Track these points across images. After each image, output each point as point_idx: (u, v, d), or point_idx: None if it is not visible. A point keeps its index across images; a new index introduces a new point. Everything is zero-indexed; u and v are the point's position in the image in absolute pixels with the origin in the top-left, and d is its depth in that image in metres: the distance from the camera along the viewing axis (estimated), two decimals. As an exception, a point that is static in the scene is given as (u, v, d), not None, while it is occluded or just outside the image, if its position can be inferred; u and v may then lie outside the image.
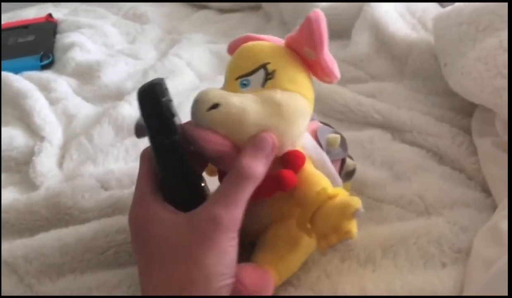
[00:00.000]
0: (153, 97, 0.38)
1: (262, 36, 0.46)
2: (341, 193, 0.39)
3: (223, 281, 0.36)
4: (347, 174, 0.48)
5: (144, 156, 0.41)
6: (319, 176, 0.41)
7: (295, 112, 0.40)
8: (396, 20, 0.75)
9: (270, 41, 0.44)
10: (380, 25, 0.74)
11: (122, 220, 0.50)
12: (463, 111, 0.61)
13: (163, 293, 0.35)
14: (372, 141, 0.60)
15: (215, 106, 0.38)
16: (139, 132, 0.42)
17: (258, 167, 0.37)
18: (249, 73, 0.40)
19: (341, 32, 0.80)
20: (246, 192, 0.37)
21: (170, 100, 0.39)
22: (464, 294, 0.39)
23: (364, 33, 0.75)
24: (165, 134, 0.38)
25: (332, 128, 0.48)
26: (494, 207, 0.48)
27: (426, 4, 0.80)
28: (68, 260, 0.49)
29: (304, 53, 0.41)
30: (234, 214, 0.36)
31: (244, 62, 0.41)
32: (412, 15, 0.78)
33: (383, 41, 0.73)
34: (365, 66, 0.73)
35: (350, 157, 0.49)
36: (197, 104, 0.39)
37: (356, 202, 0.37)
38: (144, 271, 0.37)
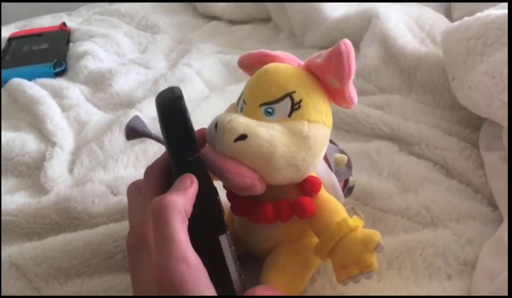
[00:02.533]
0: (178, 112, 0.37)
1: (278, 53, 0.45)
2: (360, 225, 0.40)
3: None
4: (347, 191, 0.49)
5: (151, 172, 0.40)
6: (336, 203, 0.42)
7: (321, 143, 0.40)
8: (405, 33, 0.76)
9: (288, 61, 0.44)
10: (389, 38, 0.75)
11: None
12: (471, 125, 0.61)
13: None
14: (379, 153, 0.60)
15: (242, 137, 0.37)
16: (129, 134, 0.42)
17: (175, 198, 0.34)
18: (274, 101, 0.39)
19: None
20: (174, 222, 0.33)
21: (188, 113, 0.38)
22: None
23: (373, 46, 0.76)
24: (189, 151, 0.37)
25: (336, 145, 0.49)
26: (500, 221, 0.48)
27: (435, 18, 0.80)
28: (76, 264, 0.49)
29: (326, 81, 0.41)
30: (178, 246, 0.33)
31: (268, 88, 0.40)
32: (421, 29, 0.78)
33: (391, 54, 0.73)
34: (373, 78, 0.74)
35: (351, 174, 0.49)
36: (222, 133, 0.38)
37: (377, 236, 0.38)
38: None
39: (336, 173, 0.45)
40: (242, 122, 0.38)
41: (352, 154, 0.50)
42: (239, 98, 0.43)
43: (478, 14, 0.60)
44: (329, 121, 0.41)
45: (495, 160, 0.52)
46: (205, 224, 0.37)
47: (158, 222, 0.33)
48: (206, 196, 0.37)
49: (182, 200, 0.34)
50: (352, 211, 0.46)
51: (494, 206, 0.51)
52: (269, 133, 0.38)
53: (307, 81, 0.41)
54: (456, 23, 0.64)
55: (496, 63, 0.52)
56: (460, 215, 0.49)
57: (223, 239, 0.37)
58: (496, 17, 0.56)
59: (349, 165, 0.47)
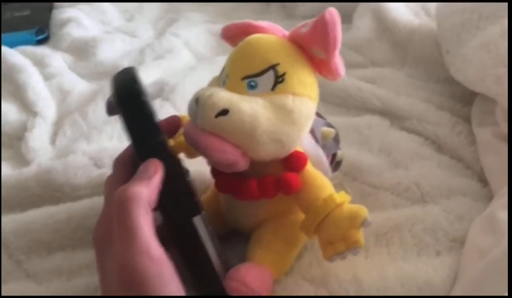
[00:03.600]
0: (135, 95, 0.35)
1: (262, 24, 0.43)
2: (346, 200, 0.39)
3: None
4: (335, 165, 0.48)
5: (118, 163, 0.38)
6: (322, 179, 0.41)
7: (306, 117, 0.39)
8: (399, 5, 0.74)
9: (272, 32, 0.42)
10: (382, 10, 0.73)
11: (114, 199, 0.50)
12: (463, 100, 0.60)
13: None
14: (370, 127, 0.59)
15: (224, 112, 0.36)
16: (110, 110, 0.40)
17: (138, 187, 0.33)
18: (257, 74, 0.38)
19: (342, 17, 0.79)
20: (138, 211, 0.32)
21: (147, 94, 0.36)
22: (457, 282, 0.39)
23: (366, 18, 0.74)
24: (151, 135, 0.35)
25: (324, 119, 0.47)
26: (490, 197, 0.48)
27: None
28: (58, 237, 0.48)
29: (312, 52, 0.39)
30: (139, 251, 0.31)
31: (251, 60, 0.38)
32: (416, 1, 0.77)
33: (385, 26, 0.72)
34: (365, 51, 0.72)
35: (338, 148, 0.48)
36: (203, 108, 0.36)
37: (364, 211, 0.37)
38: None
39: (323, 147, 0.44)
40: (224, 97, 0.36)
41: (342, 128, 0.49)
42: (222, 71, 0.41)
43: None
44: (315, 94, 0.40)
45: (487, 136, 0.51)
46: (176, 207, 0.36)
47: (121, 215, 0.32)
48: (173, 178, 0.35)
49: (145, 190, 0.33)
50: (339, 186, 0.45)
51: (484, 182, 0.50)
52: (252, 107, 0.36)
53: (291, 52, 0.39)
54: (452, -5, 0.63)
55: (492, 37, 0.51)
56: (450, 191, 0.49)
57: (198, 220, 0.36)
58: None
59: (336, 139, 0.46)
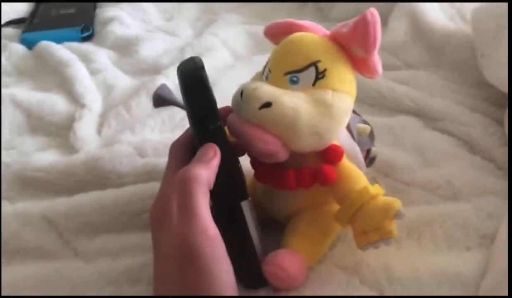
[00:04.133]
0: (200, 82, 0.38)
1: (304, 23, 0.45)
2: (380, 193, 0.41)
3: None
4: (369, 161, 0.49)
5: (175, 148, 0.41)
6: (357, 172, 0.42)
7: (344, 112, 0.40)
8: (434, 9, 0.75)
9: (313, 31, 0.44)
10: (418, 13, 0.74)
11: (156, 186, 0.50)
12: (497, 103, 0.61)
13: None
14: (404, 128, 0.60)
15: (267, 104, 0.38)
16: (156, 102, 0.43)
17: (198, 171, 0.35)
18: (299, 70, 0.40)
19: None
20: (198, 192, 0.35)
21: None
22: (486, 274, 0.40)
23: (401, 21, 0.75)
24: (211, 120, 0.37)
25: (359, 115, 0.49)
26: (522, 197, 0.48)
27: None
28: (105, 220, 0.51)
29: (352, 50, 0.41)
30: (200, 227, 0.34)
31: (294, 57, 0.40)
32: (451, 5, 0.77)
33: (420, 29, 0.73)
34: (400, 53, 0.73)
35: (373, 144, 0.50)
36: (248, 100, 0.39)
37: (398, 203, 0.39)
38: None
39: (359, 143, 0.46)
40: (267, 90, 0.39)
41: (376, 128, 0.50)
42: (265, 67, 0.43)
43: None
44: (353, 90, 0.42)
45: (520, 138, 0.52)
46: (227, 191, 0.38)
47: (182, 194, 0.35)
48: (228, 164, 0.38)
49: (206, 172, 0.35)
50: (373, 181, 0.47)
51: (516, 183, 0.51)
52: (294, 101, 0.38)
53: (332, 50, 0.41)
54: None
55: (527, 40, 0.52)
56: (482, 190, 0.50)
57: (245, 205, 0.39)
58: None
59: (371, 136, 0.48)
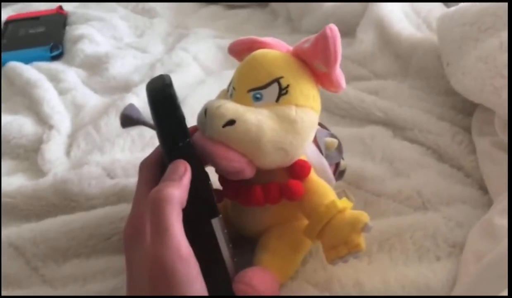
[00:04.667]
0: (168, 99, 0.37)
1: (267, 39, 0.45)
2: (348, 206, 0.41)
3: None
4: (339, 174, 0.49)
5: (145, 166, 0.41)
6: (325, 186, 0.42)
7: (309, 127, 0.41)
8: (401, 19, 0.76)
9: (277, 47, 0.44)
10: (385, 24, 0.75)
11: (126, 208, 0.52)
12: (464, 111, 0.61)
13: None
14: (373, 138, 0.60)
15: (231, 122, 0.38)
16: (124, 122, 0.43)
17: (171, 189, 0.35)
18: (262, 86, 0.40)
19: (346, 31, 0.81)
20: (170, 212, 0.34)
21: (179, 100, 0.39)
22: (456, 285, 0.40)
23: (369, 32, 0.76)
24: (180, 137, 0.37)
25: (327, 129, 0.49)
26: (490, 204, 0.49)
27: (431, 4, 0.80)
28: (74, 245, 0.50)
29: (314, 66, 0.41)
30: (174, 246, 0.33)
31: (256, 74, 0.41)
32: (417, 15, 0.78)
33: (387, 39, 0.74)
34: (369, 64, 0.74)
35: (342, 157, 0.50)
36: (211, 118, 0.39)
37: (365, 217, 0.39)
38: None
39: (327, 157, 0.46)
40: (231, 108, 0.39)
41: (346, 139, 0.50)
42: (229, 84, 0.44)
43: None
44: (317, 105, 0.42)
45: (486, 145, 0.53)
46: (198, 208, 0.38)
47: (155, 215, 0.34)
48: (197, 181, 0.38)
49: (178, 192, 0.35)
50: (343, 194, 0.47)
51: (484, 190, 0.52)
52: (257, 118, 0.38)
53: (294, 66, 0.41)
54: (452, 9, 0.65)
55: (490, 49, 0.53)
56: (450, 198, 0.50)
57: (216, 223, 0.38)
58: (491, 4, 0.56)
59: (339, 149, 0.48)
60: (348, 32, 0.81)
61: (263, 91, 0.40)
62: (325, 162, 0.45)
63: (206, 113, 0.39)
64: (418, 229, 0.47)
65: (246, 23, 1.05)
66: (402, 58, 0.71)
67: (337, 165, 0.48)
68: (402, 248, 0.46)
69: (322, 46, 0.38)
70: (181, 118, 0.37)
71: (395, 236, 0.47)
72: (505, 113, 0.49)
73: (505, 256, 0.35)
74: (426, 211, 0.50)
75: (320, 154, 0.45)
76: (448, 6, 0.78)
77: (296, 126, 0.39)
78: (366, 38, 0.76)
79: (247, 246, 0.46)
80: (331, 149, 0.47)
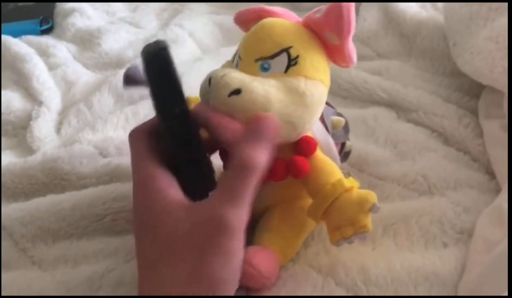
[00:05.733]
0: (162, 61, 0.35)
1: (276, 9, 0.43)
2: (355, 186, 0.39)
3: (228, 288, 0.32)
4: (344, 155, 0.48)
5: (136, 135, 0.37)
6: (331, 165, 0.41)
7: (318, 101, 0.39)
8: (406, -3, 0.74)
9: (285, 17, 0.42)
10: (389, 1, 0.72)
11: (119, 188, 0.50)
12: (470, 92, 0.60)
13: (161, 293, 0.31)
14: (377, 119, 0.59)
15: (236, 91, 0.36)
16: (127, 81, 0.40)
17: (262, 157, 0.33)
18: (271, 56, 0.38)
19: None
20: (252, 185, 0.32)
21: (175, 65, 0.36)
22: (465, 274, 0.39)
23: (372, 9, 0.74)
24: (176, 102, 0.35)
25: (334, 108, 0.47)
26: (497, 190, 0.48)
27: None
28: (64, 225, 0.48)
29: (325, 37, 0.39)
30: (242, 213, 0.31)
31: (265, 43, 0.38)
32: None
33: (391, 18, 0.72)
34: (372, 43, 0.72)
35: (348, 138, 0.48)
36: (216, 87, 0.36)
37: (373, 196, 0.38)
38: (146, 265, 0.33)
39: (333, 136, 0.44)
40: (236, 77, 0.37)
41: (349, 120, 0.48)
42: (235, 54, 0.41)
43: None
44: (327, 79, 0.40)
45: (494, 128, 0.51)
46: (195, 182, 0.36)
47: (239, 181, 0.32)
48: (193, 152, 0.35)
49: (266, 159, 0.33)
50: (347, 176, 0.45)
51: (491, 174, 0.50)
52: (264, 88, 0.36)
53: (304, 37, 0.39)
54: (460, -12, 0.62)
55: (501, 28, 0.51)
56: (457, 183, 0.49)
57: None
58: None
59: (346, 129, 0.46)
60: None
61: (271, 61, 0.38)
62: (331, 140, 0.43)
63: (210, 82, 0.37)
64: (424, 214, 0.45)
65: (243, -1, 1.02)
66: (406, 37, 0.70)
67: (343, 145, 0.47)
68: (408, 233, 0.44)
69: (336, 16, 0.36)
70: (176, 82, 0.35)
71: (400, 221, 0.45)
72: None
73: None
74: (432, 196, 0.48)
75: (326, 132, 0.43)
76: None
77: (305, 99, 0.37)
78: (369, 16, 0.73)
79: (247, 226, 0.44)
80: (338, 128, 0.45)
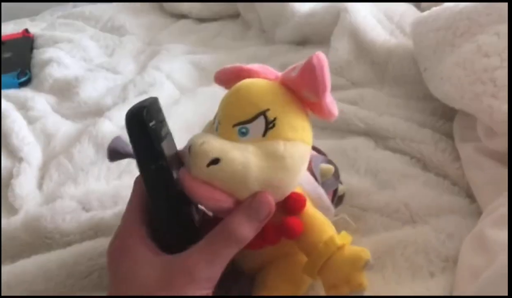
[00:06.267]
0: (139, 122, 0.36)
1: (253, 67, 0.42)
2: (347, 242, 0.39)
3: None
4: (338, 200, 0.47)
5: (138, 182, 0.40)
6: (322, 220, 0.40)
7: (299, 161, 0.38)
8: (374, 25, 0.75)
9: (264, 75, 0.42)
10: (358, 31, 0.74)
11: (104, 243, 0.49)
12: (445, 116, 0.61)
13: None
14: (356, 150, 0.59)
15: (215, 161, 0.36)
16: (111, 156, 0.41)
17: (248, 234, 0.36)
18: (248, 120, 0.37)
19: (320, 40, 0.81)
20: (231, 255, 0.36)
21: (160, 122, 0.37)
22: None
23: (343, 40, 0.75)
24: (152, 159, 0.36)
25: (323, 154, 0.47)
26: (479, 213, 0.48)
27: (404, 9, 0.80)
28: (51, 285, 0.47)
29: (303, 95, 0.39)
30: (212, 272, 0.35)
31: (241, 107, 0.38)
32: (390, 21, 0.78)
33: (362, 47, 0.73)
34: (345, 72, 0.73)
35: (340, 182, 0.48)
36: (195, 157, 0.36)
37: (366, 253, 0.37)
38: None
39: (324, 185, 0.43)
40: (215, 146, 0.36)
41: (328, 151, 0.49)
42: (215, 116, 0.41)
43: (446, 4, 0.59)
44: (308, 136, 0.39)
45: (470, 152, 0.52)
46: (176, 236, 0.37)
47: (219, 245, 0.36)
48: (170, 207, 0.37)
49: (251, 235, 0.36)
50: (342, 221, 0.45)
51: (472, 198, 0.51)
52: (244, 156, 0.36)
53: (281, 97, 0.39)
54: (425, 13, 0.64)
55: (467, 54, 0.52)
56: (439, 209, 0.49)
57: None
58: (464, 7, 0.56)
59: (336, 175, 0.46)
60: (323, 41, 0.80)
61: (249, 125, 0.37)
62: (321, 190, 0.42)
63: (190, 150, 0.37)
64: (409, 245, 0.45)
65: (218, 36, 1.04)
66: (378, 65, 0.71)
67: (335, 191, 0.46)
68: (394, 266, 0.44)
69: (309, 76, 0.36)
70: (152, 140, 0.36)
71: (386, 253, 0.45)
72: (488, 119, 0.48)
73: (503, 274, 0.33)
74: (415, 224, 0.48)
75: (315, 183, 0.42)
76: (421, 10, 0.78)
77: (285, 162, 0.37)
78: (340, 47, 0.75)
79: (247, 280, 0.44)
80: (328, 176, 0.44)
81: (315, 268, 0.38)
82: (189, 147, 0.37)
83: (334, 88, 0.70)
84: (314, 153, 0.46)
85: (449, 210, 0.49)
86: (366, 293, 0.41)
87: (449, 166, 0.54)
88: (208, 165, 0.35)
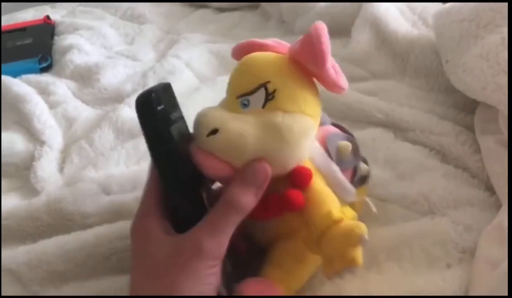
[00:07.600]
0: (147, 106, 0.37)
1: (266, 41, 0.43)
2: (347, 216, 0.39)
3: None
4: (361, 179, 0.46)
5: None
6: (326, 194, 0.40)
7: (299, 134, 0.38)
8: (396, 17, 0.75)
9: (277, 49, 0.42)
10: (380, 22, 0.73)
11: (124, 226, 0.50)
12: (466, 108, 0.60)
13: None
14: (375, 141, 0.59)
15: (214, 131, 0.37)
16: None
17: (247, 200, 0.37)
18: (249, 92, 0.39)
19: (341, 31, 0.80)
20: (233, 222, 0.37)
21: (172, 106, 0.38)
22: (470, 294, 0.39)
23: (364, 31, 0.74)
24: (160, 143, 0.38)
25: (345, 131, 0.47)
26: (498, 206, 0.48)
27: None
28: (71, 267, 0.48)
29: (309, 66, 0.39)
30: (217, 243, 0.36)
31: (245, 79, 0.39)
32: (413, 12, 0.77)
33: (384, 38, 0.72)
34: (366, 64, 0.73)
35: (364, 161, 0.47)
36: (197, 127, 0.38)
37: (361, 228, 0.36)
38: (130, 283, 0.38)
39: (340, 163, 0.43)
40: (216, 116, 0.38)
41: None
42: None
43: (470, -5, 0.59)
44: (311, 109, 0.39)
45: (491, 144, 0.51)
46: (187, 217, 0.38)
47: (220, 214, 0.37)
48: (179, 189, 0.38)
49: (252, 203, 0.38)
50: (362, 203, 0.45)
51: (491, 190, 0.50)
52: (241, 126, 0.37)
53: (284, 69, 0.39)
54: (448, 5, 0.63)
55: (491, 46, 0.51)
56: (457, 201, 0.49)
57: None
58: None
59: (355, 153, 0.45)
60: (343, 32, 0.80)
61: (250, 97, 0.39)
62: (335, 168, 0.42)
63: (194, 122, 0.39)
64: (427, 236, 0.45)
65: (237, 26, 1.04)
66: (399, 56, 0.70)
67: (355, 170, 0.45)
68: (411, 256, 0.44)
69: (308, 47, 0.37)
70: (162, 123, 0.37)
71: (403, 244, 0.45)
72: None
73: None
74: (433, 216, 0.48)
75: (329, 160, 0.42)
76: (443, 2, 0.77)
77: (283, 133, 0.37)
78: (362, 38, 0.74)
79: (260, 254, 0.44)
80: (345, 153, 0.43)
81: (311, 240, 0.39)
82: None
83: (354, 79, 0.71)
84: (334, 129, 0.46)
85: (467, 202, 0.49)
86: (384, 284, 0.42)
87: (469, 158, 0.53)
88: (208, 135, 0.37)
